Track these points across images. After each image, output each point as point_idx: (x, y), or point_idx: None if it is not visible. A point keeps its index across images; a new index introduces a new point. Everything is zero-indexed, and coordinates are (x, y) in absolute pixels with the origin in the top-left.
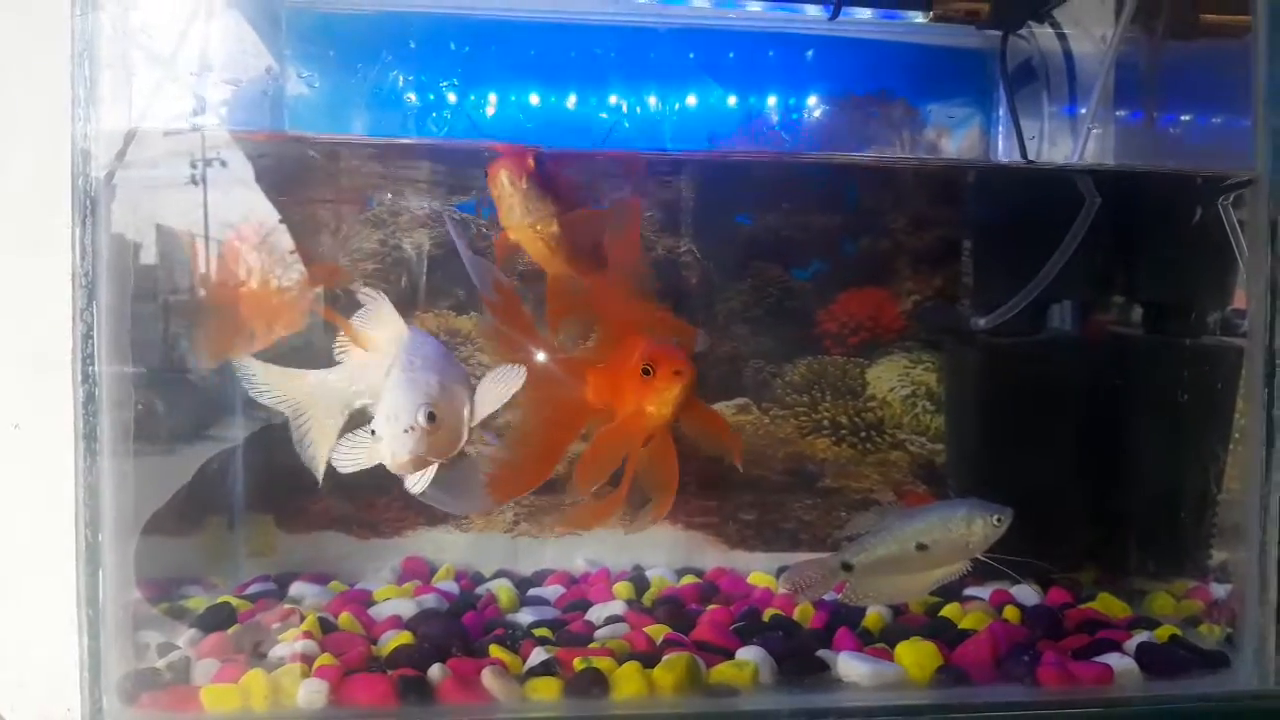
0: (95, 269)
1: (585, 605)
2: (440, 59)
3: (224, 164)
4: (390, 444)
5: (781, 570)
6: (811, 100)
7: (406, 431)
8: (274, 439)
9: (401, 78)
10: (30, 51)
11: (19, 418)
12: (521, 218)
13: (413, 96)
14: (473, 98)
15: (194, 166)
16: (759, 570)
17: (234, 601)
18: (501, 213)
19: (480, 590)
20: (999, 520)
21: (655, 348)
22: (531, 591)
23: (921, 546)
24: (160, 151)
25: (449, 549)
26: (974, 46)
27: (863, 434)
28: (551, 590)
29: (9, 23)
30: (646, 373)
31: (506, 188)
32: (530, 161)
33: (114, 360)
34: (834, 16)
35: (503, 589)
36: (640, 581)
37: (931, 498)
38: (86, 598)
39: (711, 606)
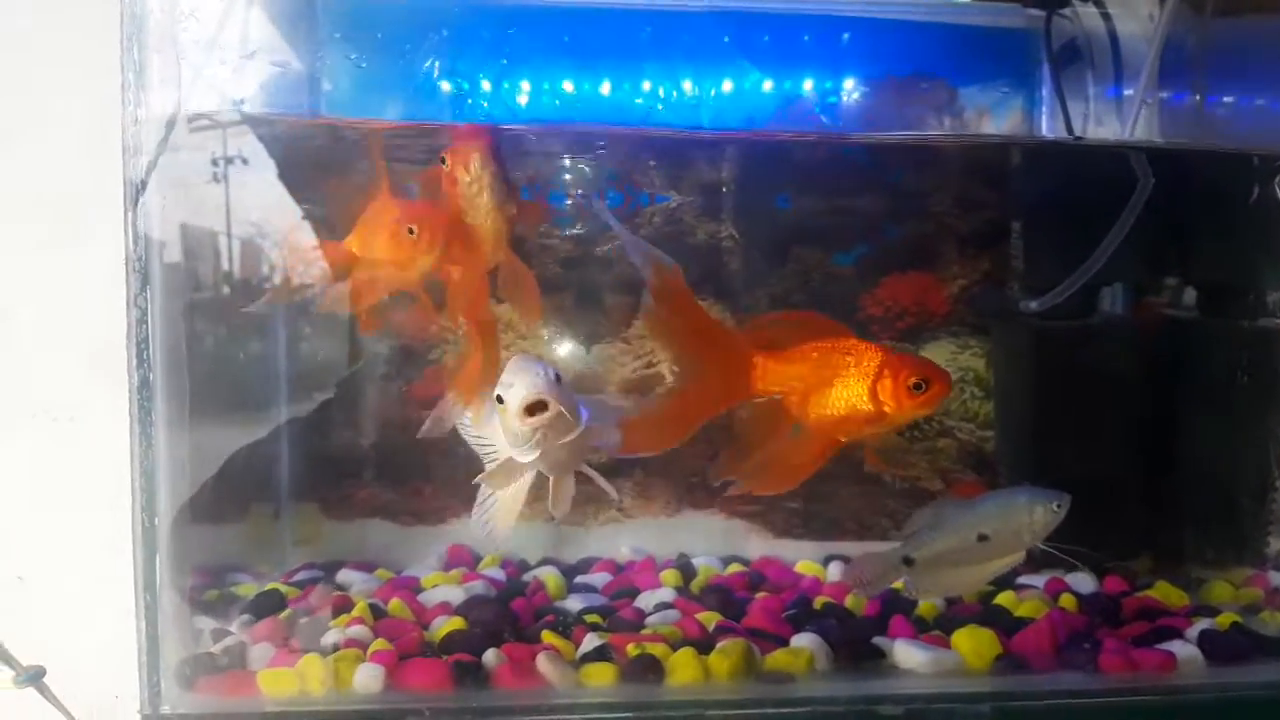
0: (148, 254)
1: (633, 593)
2: (474, 45)
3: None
4: (523, 386)
5: (829, 559)
6: (849, 83)
7: (537, 376)
8: (321, 425)
9: (436, 65)
10: (80, 34)
11: (74, 403)
12: (488, 203)
13: (446, 85)
14: (506, 84)
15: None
16: (805, 559)
17: (283, 588)
18: (461, 197)
19: (527, 577)
20: (1058, 506)
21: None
22: (578, 579)
23: (983, 537)
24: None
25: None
26: (1016, 26)
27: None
28: (598, 578)
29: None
30: (919, 388)
31: (478, 171)
32: (491, 142)
33: (169, 346)
34: None
35: (550, 576)
36: (687, 569)
37: (980, 485)
38: (144, 583)
39: (761, 594)
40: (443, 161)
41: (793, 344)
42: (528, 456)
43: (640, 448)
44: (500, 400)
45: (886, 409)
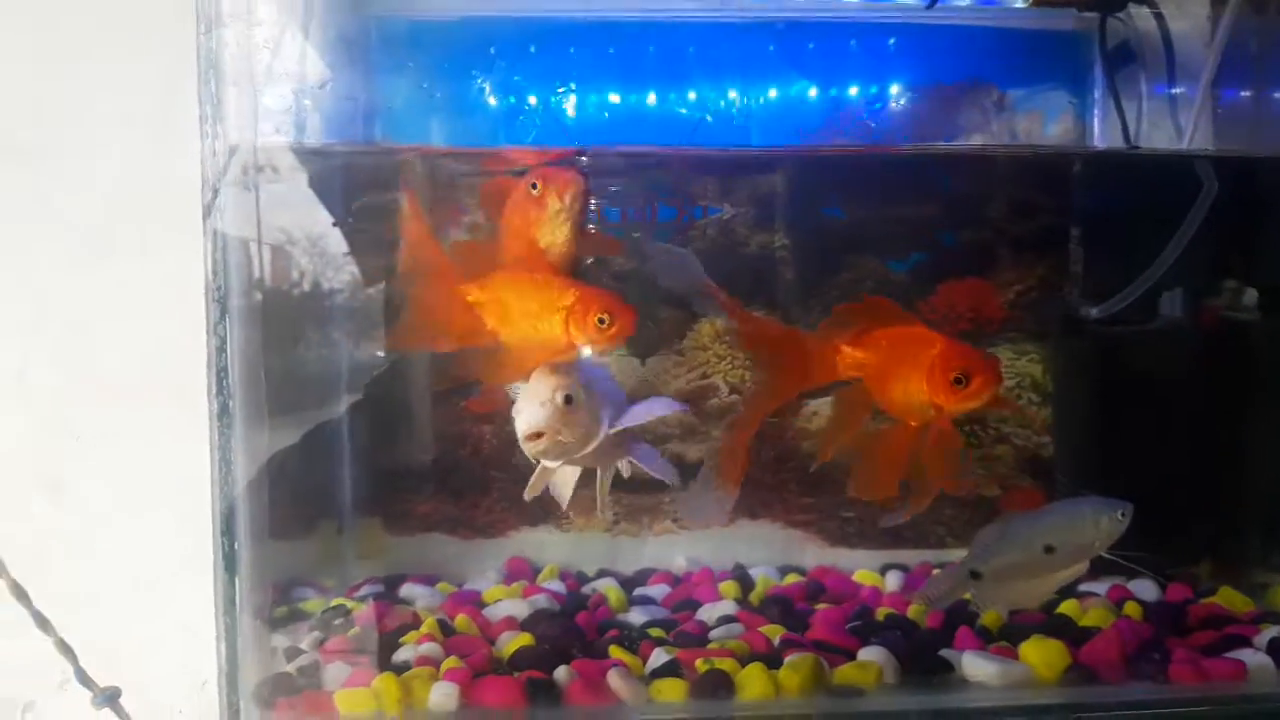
0: (226, 283)
1: (693, 605)
2: (522, 62)
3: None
4: (526, 416)
5: (886, 568)
6: (896, 89)
7: (542, 405)
8: (383, 443)
9: (487, 84)
10: (159, 69)
11: (151, 423)
12: (567, 231)
13: (494, 100)
14: (554, 98)
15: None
16: (861, 568)
17: (349, 603)
18: (544, 221)
19: (587, 590)
20: (1123, 515)
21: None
22: (638, 591)
23: (1049, 549)
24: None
25: (549, 548)
26: (1067, 29)
27: (966, 428)
28: (657, 590)
29: (137, 42)
30: (960, 382)
31: (570, 201)
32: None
33: (246, 372)
34: (931, 5)
35: (610, 589)
36: (745, 580)
37: (1037, 492)
38: (224, 605)
39: (821, 605)
40: (534, 187)
41: (867, 330)
42: (552, 465)
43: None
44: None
45: (936, 400)
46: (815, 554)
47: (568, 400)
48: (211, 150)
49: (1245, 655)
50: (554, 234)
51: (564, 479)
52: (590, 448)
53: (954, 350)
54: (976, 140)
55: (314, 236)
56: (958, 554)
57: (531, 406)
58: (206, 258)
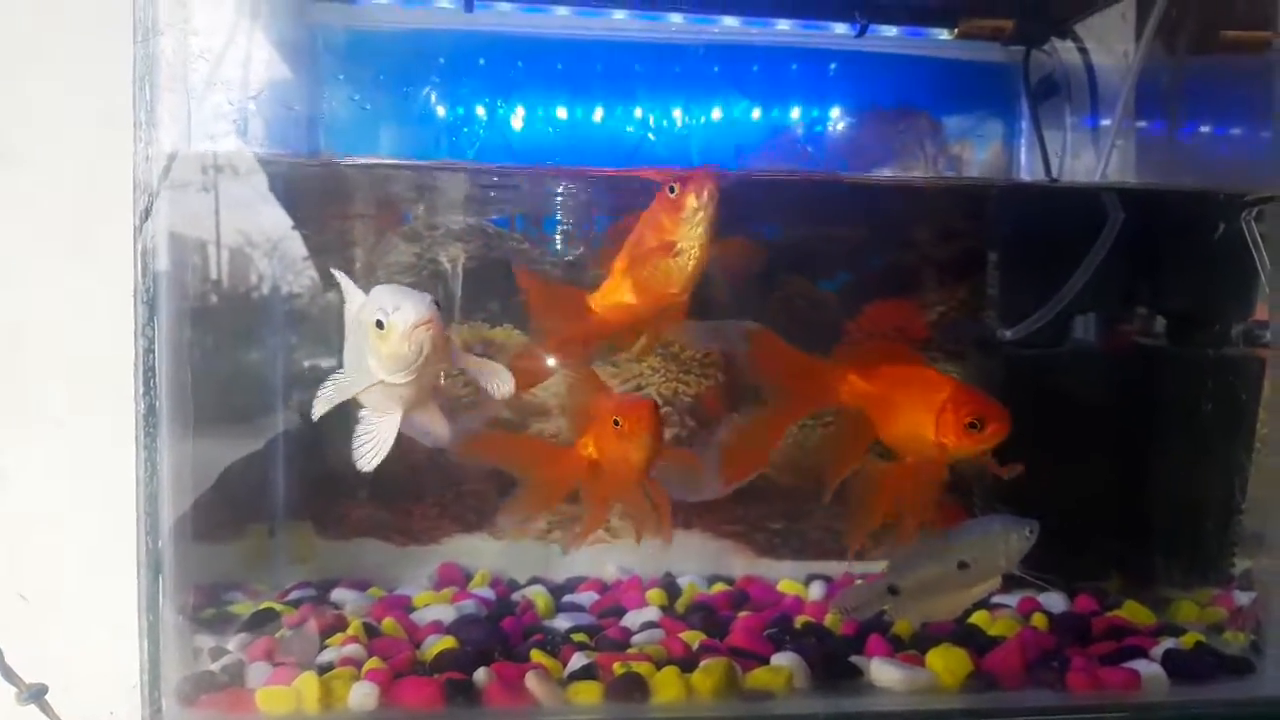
0: (156, 286)
1: (620, 611)
2: (470, 74)
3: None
4: (413, 305)
5: (811, 578)
6: (835, 113)
7: (423, 303)
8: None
9: (434, 94)
10: (93, 75)
11: (77, 422)
12: (700, 237)
13: (441, 110)
14: (501, 111)
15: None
16: (787, 578)
17: (278, 606)
18: (680, 227)
19: (516, 596)
20: (1030, 532)
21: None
22: (566, 598)
23: (963, 565)
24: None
25: (483, 556)
26: (997, 60)
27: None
28: (585, 597)
29: (75, 47)
30: (974, 427)
31: (707, 204)
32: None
33: (173, 372)
34: (860, 34)
35: (538, 595)
36: (672, 588)
37: (957, 507)
38: (147, 603)
39: (743, 613)
40: (671, 190)
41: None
42: (402, 380)
43: (736, 477)
44: (380, 325)
45: (945, 441)
46: (743, 564)
47: (435, 304)
48: (145, 156)
49: (1140, 665)
50: (688, 237)
51: (435, 418)
52: (444, 365)
53: (968, 394)
54: (910, 165)
55: (252, 242)
56: (881, 565)
57: (411, 301)
58: (136, 260)
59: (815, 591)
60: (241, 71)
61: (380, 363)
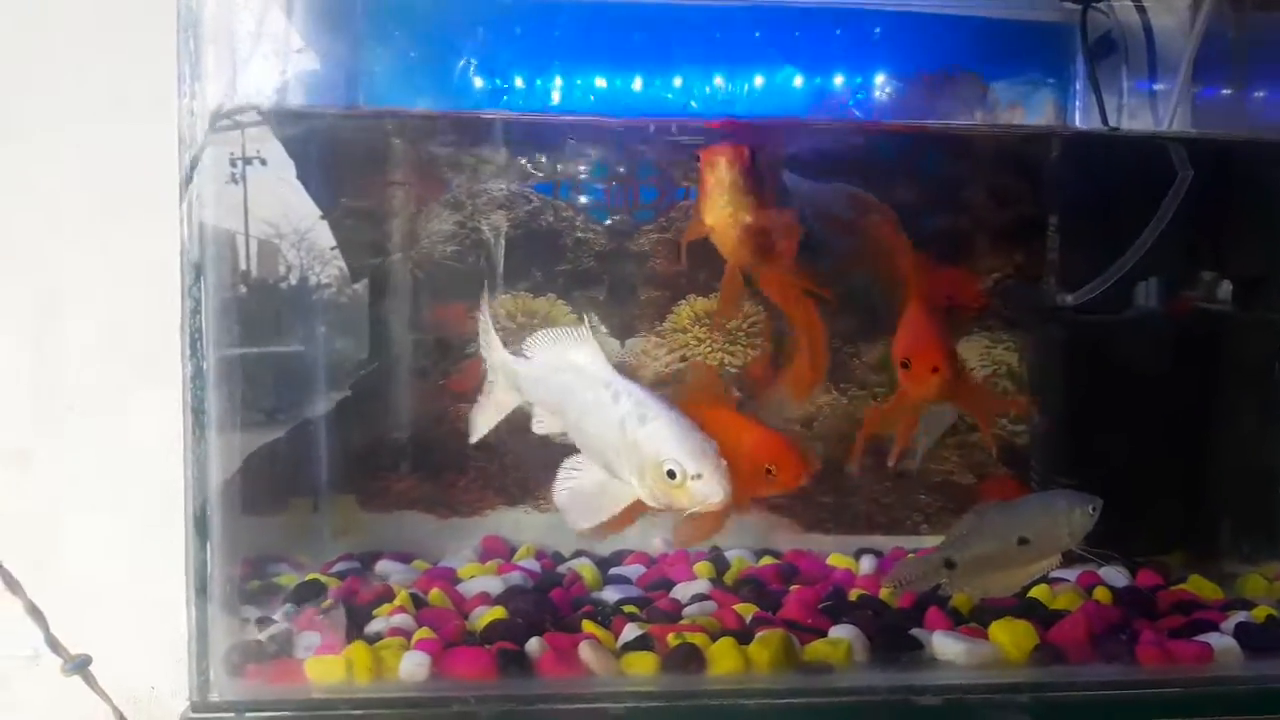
0: (203, 246)
1: (668, 584)
2: (508, 41)
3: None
4: (689, 499)
5: (860, 553)
6: (880, 79)
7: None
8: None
9: (472, 65)
10: (137, 27)
11: (124, 394)
12: (724, 207)
13: (479, 81)
14: (540, 81)
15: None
16: (835, 552)
17: (323, 578)
18: (706, 198)
19: (562, 569)
20: (1094, 509)
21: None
22: (612, 570)
23: (1023, 540)
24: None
25: (526, 529)
26: (1049, 20)
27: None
28: (632, 569)
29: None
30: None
31: (723, 175)
32: (745, 151)
33: (220, 337)
34: None
35: (585, 567)
36: (719, 562)
37: (1012, 480)
38: (195, 573)
39: (795, 587)
40: (696, 158)
41: None
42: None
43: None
44: (671, 475)
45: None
46: (790, 538)
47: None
48: (189, 110)
49: (1212, 639)
50: (712, 205)
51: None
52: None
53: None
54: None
55: (298, 206)
56: (931, 540)
57: (711, 466)
58: (182, 220)
59: (866, 565)
60: (284, 26)
61: (649, 492)
